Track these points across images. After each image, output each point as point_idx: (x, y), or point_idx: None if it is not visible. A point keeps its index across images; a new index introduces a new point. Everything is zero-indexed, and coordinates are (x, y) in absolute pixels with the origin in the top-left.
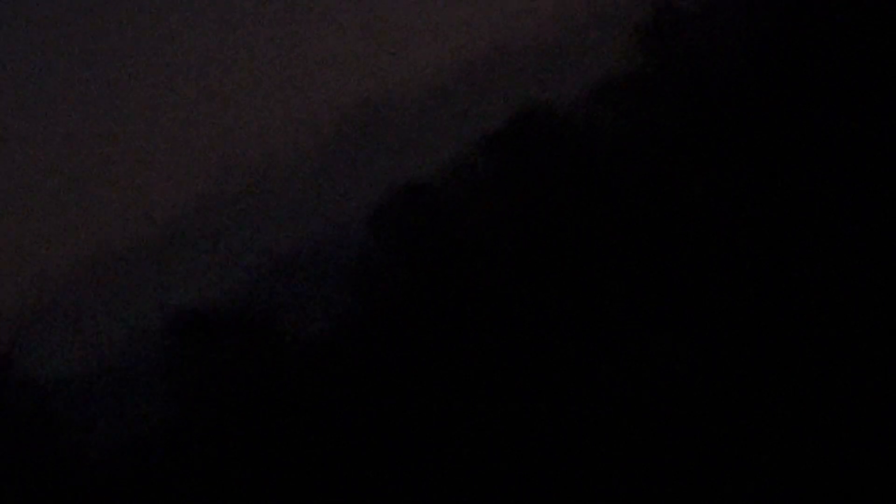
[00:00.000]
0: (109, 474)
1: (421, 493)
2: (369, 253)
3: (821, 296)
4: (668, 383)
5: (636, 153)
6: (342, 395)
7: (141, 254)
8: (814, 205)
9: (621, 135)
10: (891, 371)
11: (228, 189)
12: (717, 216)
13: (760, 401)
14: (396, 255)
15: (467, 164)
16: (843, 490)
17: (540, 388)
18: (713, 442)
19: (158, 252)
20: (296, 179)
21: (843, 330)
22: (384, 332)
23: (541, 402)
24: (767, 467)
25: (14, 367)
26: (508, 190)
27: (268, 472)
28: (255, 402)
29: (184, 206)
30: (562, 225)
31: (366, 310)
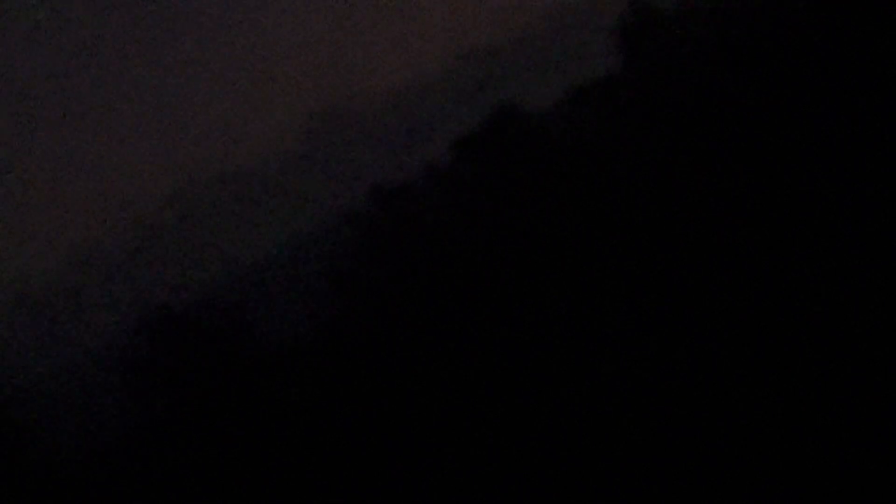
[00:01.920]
0: (77, 475)
1: (397, 492)
2: (345, 254)
3: (803, 293)
4: (642, 383)
5: (614, 154)
6: (318, 395)
7: (113, 255)
8: (794, 202)
9: (598, 136)
10: (891, 371)
11: (203, 190)
12: (697, 215)
13: (756, 399)
14: (372, 256)
15: (444, 166)
16: (844, 490)
17: (518, 386)
18: (710, 441)
19: (131, 253)
20: (271, 180)
21: (839, 325)
22: (360, 333)
23: (518, 401)
24: (767, 467)
25: None
26: (485, 191)
27: (241, 472)
28: (229, 402)
29: (157, 207)
30: (539, 225)
31: (341, 310)
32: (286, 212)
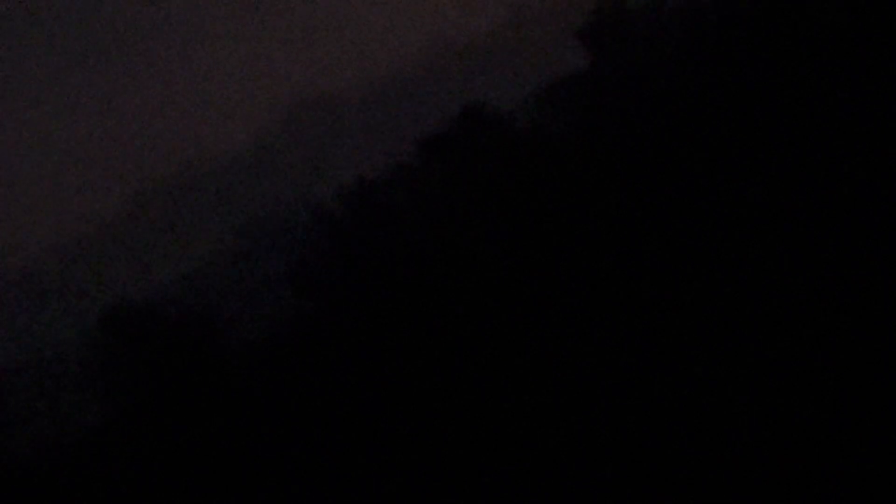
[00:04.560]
0: (36, 470)
1: (361, 492)
2: (310, 252)
3: (786, 294)
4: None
5: (583, 153)
6: (280, 394)
7: (77, 249)
8: (764, 198)
9: (567, 134)
10: (891, 371)
11: (168, 185)
12: (662, 213)
13: (756, 399)
14: (338, 254)
15: (411, 164)
16: (843, 490)
17: (490, 388)
18: (706, 441)
19: (94, 247)
20: (238, 177)
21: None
22: (324, 331)
23: (491, 405)
24: (767, 467)
25: None
26: (452, 190)
27: (200, 469)
28: (190, 399)
29: (121, 202)
30: (505, 224)
31: (305, 308)
32: (251, 208)
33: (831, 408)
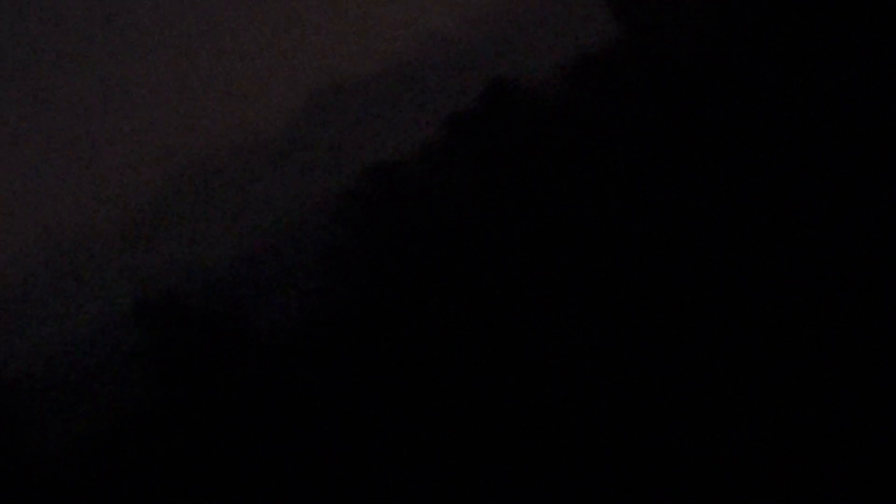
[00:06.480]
0: (71, 463)
1: (387, 481)
2: (338, 236)
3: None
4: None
5: (613, 129)
6: (310, 382)
7: (109, 242)
8: (787, 179)
9: (593, 110)
10: (891, 370)
11: (196, 176)
12: (691, 192)
13: (756, 399)
14: (365, 238)
15: (437, 143)
16: (843, 490)
17: (519, 376)
18: (704, 441)
19: (127, 241)
20: (264, 163)
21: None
22: (355, 315)
23: (519, 394)
24: (767, 467)
25: None
26: (479, 168)
27: (234, 458)
28: (223, 389)
29: (151, 194)
30: (533, 203)
31: (335, 295)
32: (279, 194)
33: (831, 408)
